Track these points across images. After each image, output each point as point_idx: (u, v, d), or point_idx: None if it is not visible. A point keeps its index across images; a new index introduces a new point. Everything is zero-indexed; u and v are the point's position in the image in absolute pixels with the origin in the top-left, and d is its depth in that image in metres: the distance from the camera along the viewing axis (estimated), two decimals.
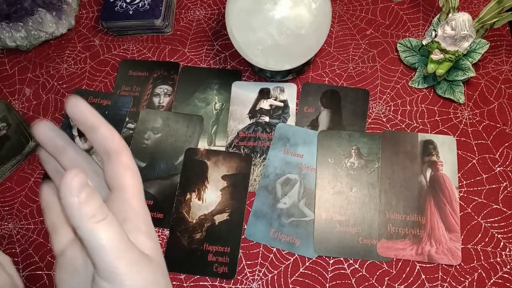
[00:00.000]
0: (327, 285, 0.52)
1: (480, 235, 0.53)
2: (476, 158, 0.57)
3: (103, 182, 0.27)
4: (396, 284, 0.51)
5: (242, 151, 0.60)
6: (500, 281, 0.50)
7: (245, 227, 0.55)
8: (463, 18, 0.54)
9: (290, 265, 0.53)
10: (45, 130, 0.27)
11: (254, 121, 0.62)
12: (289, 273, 0.53)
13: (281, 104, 0.62)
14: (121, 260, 0.22)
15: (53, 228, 0.28)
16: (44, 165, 0.30)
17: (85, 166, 0.28)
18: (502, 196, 0.55)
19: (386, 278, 0.51)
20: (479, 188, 0.55)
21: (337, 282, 0.52)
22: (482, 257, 0.52)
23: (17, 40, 0.66)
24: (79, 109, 0.25)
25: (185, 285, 0.53)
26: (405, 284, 0.51)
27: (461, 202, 0.54)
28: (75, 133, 0.62)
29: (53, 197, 0.29)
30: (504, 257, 0.51)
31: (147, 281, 0.23)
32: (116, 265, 0.22)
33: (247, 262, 0.54)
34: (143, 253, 0.24)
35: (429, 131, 0.59)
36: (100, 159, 0.27)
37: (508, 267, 0.51)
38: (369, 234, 0.53)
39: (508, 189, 0.55)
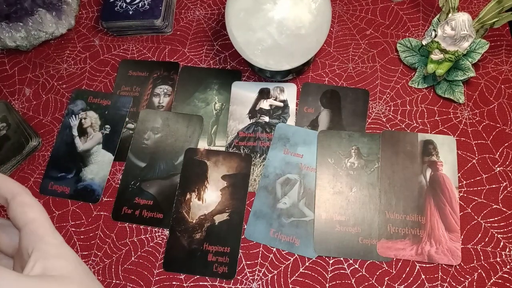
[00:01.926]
0: (327, 285, 0.52)
1: (480, 235, 0.53)
2: (476, 158, 0.57)
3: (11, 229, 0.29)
4: (396, 284, 0.51)
5: (242, 151, 0.60)
6: (500, 281, 0.50)
7: (245, 227, 0.55)
8: (463, 18, 0.54)
9: (290, 265, 0.53)
10: None
11: (254, 121, 0.62)
12: (289, 273, 0.53)
13: (281, 104, 0.62)
14: None
15: None
16: None
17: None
18: (502, 196, 0.55)
19: (386, 278, 0.51)
20: (479, 188, 0.55)
21: (337, 282, 0.52)
22: (482, 257, 0.52)
23: (17, 40, 0.66)
24: None
25: (185, 285, 0.53)
26: (405, 284, 0.51)
27: (461, 202, 0.54)
28: (75, 133, 0.62)
29: None
30: (504, 257, 0.51)
31: None
32: None
33: (247, 262, 0.54)
34: (48, 276, 0.25)
35: (429, 131, 0.59)
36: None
37: (508, 267, 0.51)
38: (369, 234, 0.53)
39: (508, 189, 0.55)
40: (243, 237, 0.55)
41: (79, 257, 0.28)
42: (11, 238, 0.30)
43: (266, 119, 0.62)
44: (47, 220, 0.28)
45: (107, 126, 0.63)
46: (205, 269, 0.53)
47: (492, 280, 0.50)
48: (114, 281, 0.54)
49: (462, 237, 0.53)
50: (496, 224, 0.53)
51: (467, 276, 0.51)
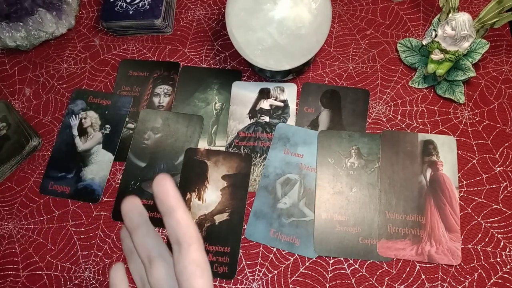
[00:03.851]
0: (327, 285, 0.52)
1: (480, 235, 0.53)
2: (476, 158, 0.57)
3: (171, 270, 0.27)
4: (396, 284, 0.51)
5: (242, 151, 0.60)
6: (500, 281, 0.50)
7: (245, 227, 0.55)
8: (463, 18, 0.54)
9: (290, 265, 0.53)
10: (128, 205, 0.27)
11: (254, 121, 0.62)
12: (289, 273, 0.53)
13: (281, 104, 0.62)
14: None
15: None
16: (121, 243, 0.31)
17: (153, 249, 0.27)
18: (502, 196, 0.55)
19: (386, 278, 0.51)
20: (479, 188, 0.55)
21: (337, 282, 0.52)
22: (482, 257, 0.52)
23: (17, 40, 0.66)
24: (164, 187, 0.25)
25: None
26: (405, 284, 0.51)
27: (461, 202, 0.54)
28: (75, 133, 0.62)
29: (122, 279, 0.29)
30: (504, 257, 0.51)
31: None
32: None
33: (247, 262, 0.54)
34: None
35: (429, 131, 0.59)
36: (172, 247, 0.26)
37: (508, 267, 0.51)
38: (369, 234, 0.53)
39: (508, 189, 0.55)
40: (243, 237, 0.55)
41: None
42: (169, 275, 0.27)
43: (266, 119, 0.62)
44: None
45: (107, 126, 0.63)
46: None
47: (492, 280, 0.50)
48: None
49: (462, 237, 0.53)
50: (496, 224, 0.53)
51: (467, 276, 0.51)
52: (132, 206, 0.28)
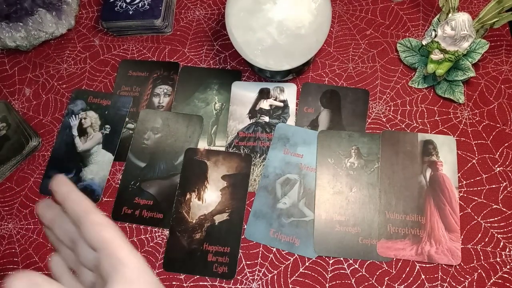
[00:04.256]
0: (327, 285, 0.52)
1: (480, 235, 0.53)
2: (476, 158, 0.57)
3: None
4: (396, 284, 0.51)
5: (242, 151, 0.60)
6: (500, 281, 0.50)
7: (245, 227, 0.55)
8: (463, 18, 0.54)
9: (290, 265, 0.53)
10: (40, 208, 0.31)
11: (254, 121, 0.62)
12: (289, 273, 0.53)
13: (281, 104, 0.62)
14: None
15: None
16: (48, 239, 0.33)
17: (73, 232, 0.30)
18: (502, 196, 0.55)
19: (386, 278, 0.51)
20: (479, 188, 0.55)
21: (337, 282, 0.52)
22: (482, 257, 0.52)
23: (17, 40, 0.66)
24: (57, 180, 0.28)
25: (185, 285, 0.53)
26: (405, 284, 0.51)
27: (461, 202, 0.54)
28: (75, 133, 0.62)
29: (62, 268, 0.31)
30: (504, 257, 0.51)
31: None
32: None
33: (247, 262, 0.54)
34: None
35: (429, 131, 0.59)
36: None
37: (508, 267, 0.51)
38: (369, 234, 0.53)
39: (508, 189, 0.55)
40: (243, 237, 0.55)
41: (158, 280, 0.27)
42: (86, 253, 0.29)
43: (266, 119, 0.62)
44: (123, 240, 0.27)
45: (107, 126, 0.63)
46: (205, 269, 0.53)
47: (492, 280, 0.50)
48: None
49: (462, 237, 0.53)
50: (496, 224, 0.53)
51: (467, 276, 0.51)
52: (43, 207, 0.31)
